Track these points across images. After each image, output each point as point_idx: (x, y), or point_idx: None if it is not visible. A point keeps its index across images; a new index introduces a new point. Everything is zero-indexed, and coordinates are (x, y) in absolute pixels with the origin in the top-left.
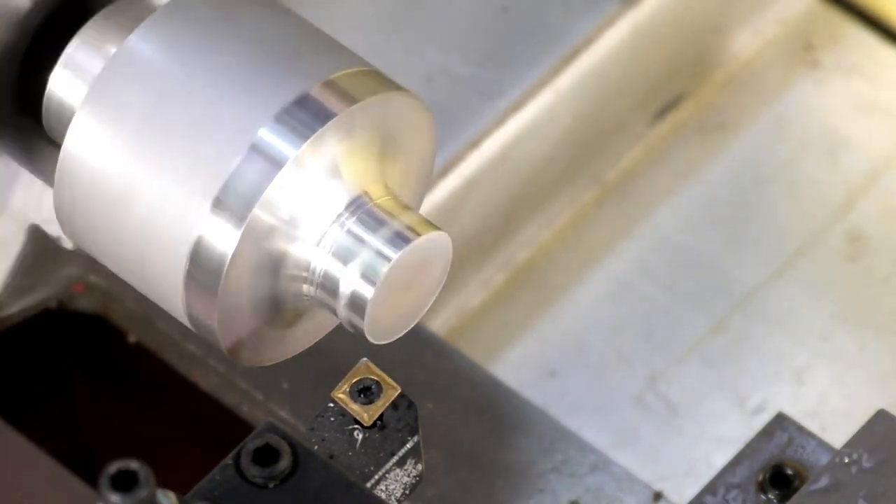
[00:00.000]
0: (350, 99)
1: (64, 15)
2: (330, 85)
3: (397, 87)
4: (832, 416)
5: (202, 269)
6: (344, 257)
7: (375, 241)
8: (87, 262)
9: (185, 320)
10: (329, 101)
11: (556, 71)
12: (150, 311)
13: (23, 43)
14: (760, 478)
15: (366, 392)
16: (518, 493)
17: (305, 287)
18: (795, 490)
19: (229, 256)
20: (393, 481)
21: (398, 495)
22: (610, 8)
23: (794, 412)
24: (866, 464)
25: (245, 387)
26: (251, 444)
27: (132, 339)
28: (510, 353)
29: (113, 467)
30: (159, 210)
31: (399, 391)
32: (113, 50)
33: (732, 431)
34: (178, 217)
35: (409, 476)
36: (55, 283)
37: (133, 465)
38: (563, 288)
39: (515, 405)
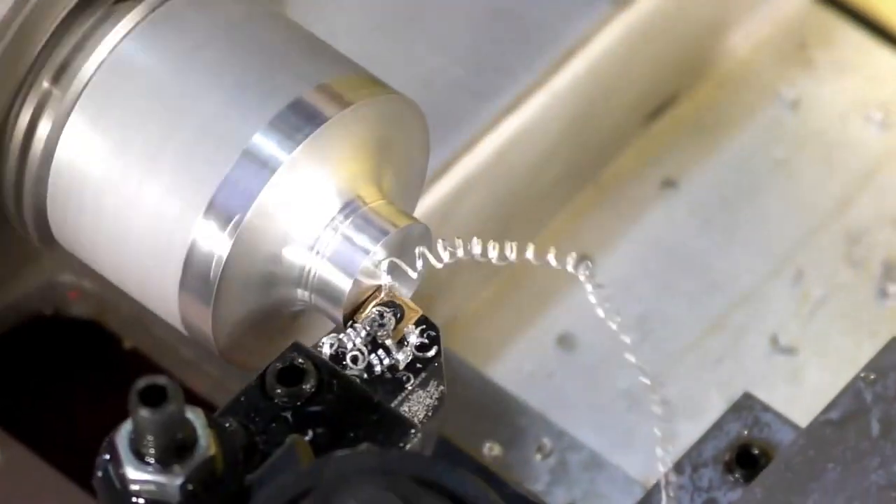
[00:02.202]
0: (343, 103)
1: (58, 19)
2: (322, 89)
3: (390, 91)
4: None
5: (196, 274)
6: (338, 261)
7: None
8: (81, 268)
9: (179, 325)
10: (322, 105)
11: (550, 72)
12: (144, 316)
13: (17, 48)
14: (727, 457)
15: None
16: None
17: (300, 291)
18: (762, 469)
19: (223, 261)
20: (416, 402)
21: (420, 416)
22: (603, 9)
23: (792, 412)
24: (879, 388)
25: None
26: (276, 364)
27: (127, 344)
28: (506, 354)
29: (141, 383)
30: (153, 216)
31: (420, 313)
32: (107, 54)
33: None
34: (172, 222)
35: (431, 398)
36: (49, 289)
37: (161, 380)
38: (558, 289)
39: (512, 406)
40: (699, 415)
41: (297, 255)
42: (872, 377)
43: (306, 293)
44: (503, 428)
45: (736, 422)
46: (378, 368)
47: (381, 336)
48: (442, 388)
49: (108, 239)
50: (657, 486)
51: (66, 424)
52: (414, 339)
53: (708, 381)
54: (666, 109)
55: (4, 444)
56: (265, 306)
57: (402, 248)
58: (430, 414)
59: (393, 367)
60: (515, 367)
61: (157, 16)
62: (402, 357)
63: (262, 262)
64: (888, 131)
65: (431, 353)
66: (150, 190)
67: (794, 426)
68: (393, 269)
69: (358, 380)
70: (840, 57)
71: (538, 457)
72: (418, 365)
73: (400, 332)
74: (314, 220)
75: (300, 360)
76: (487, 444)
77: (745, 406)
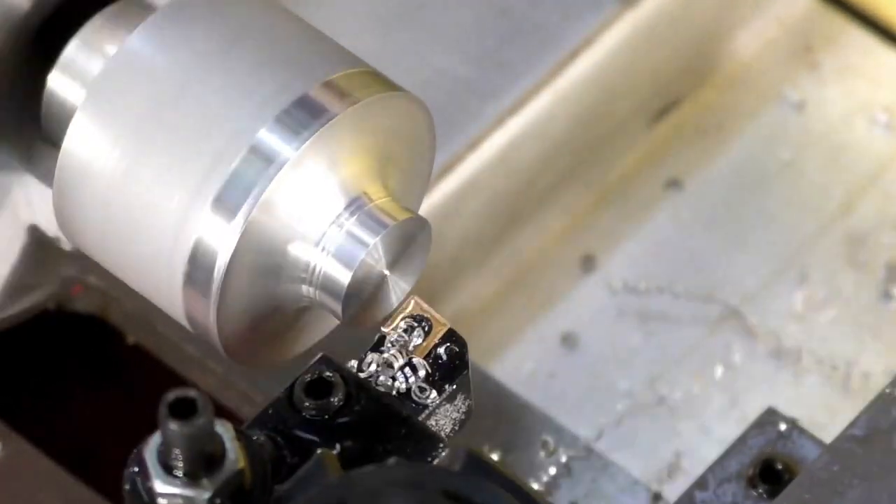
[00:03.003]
0: (350, 100)
1: (63, 16)
2: (329, 86)
3: (397, 88)
4: (831, 417)
5: (201, 270)
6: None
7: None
8: (85, 263)
9: (183, 321)
10: (329, 101)
11: (555, 72)
12: (148, 312)
13: (22, 44)
14: (750, 472)
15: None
16: None
17: (305, 288)
18: (785, 484)
19: (228, 257)
20: (443, 416)
21: (447, 430)
22: (609, 9)
23: (794, 414)
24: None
25: (244, 388)
26: (305, 376)
27: (131, 340)
28: (509, 353)
29: (171, 395)
30: (158, 211)
31: (448, 327)
32: (112, 51)
33: (732, 433)
34: (177, 217)
35: (458, 412)
36: (54, 283)
37: (191, 393)
38: (561, 289)
39: (514, 406)
40: (702, 416)
41: (302, 252)
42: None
43: (311, 290)
44: (506, 426)
45: (760, 437)
46: (405, 384)
47: (411, 351)
48: (469, 401)
49: (113, 234)
50: None
51: (68, 419)
52: (442, 352)
53: (711, 383)
54: (671, 110)
55: (6, 438)
56: (270, 303)
57: (402, 243)
58: (457, 428)
59: (421, 381)
60: (518, 365)
61: (164, 12)
62: (429, 371)
63: (268, 258)
64: (893, 133)
65: (459, 366)
66: (155, 185)
67: (818, 441)
68: (393, 264)
69: (387, 393)
70: (845, 59)
71: (542, 454)
72: (446, 378)
73: (428, 346)
74: (319, 216)
75: (328, 373)
76: (486, 447)
77: (769, 421)
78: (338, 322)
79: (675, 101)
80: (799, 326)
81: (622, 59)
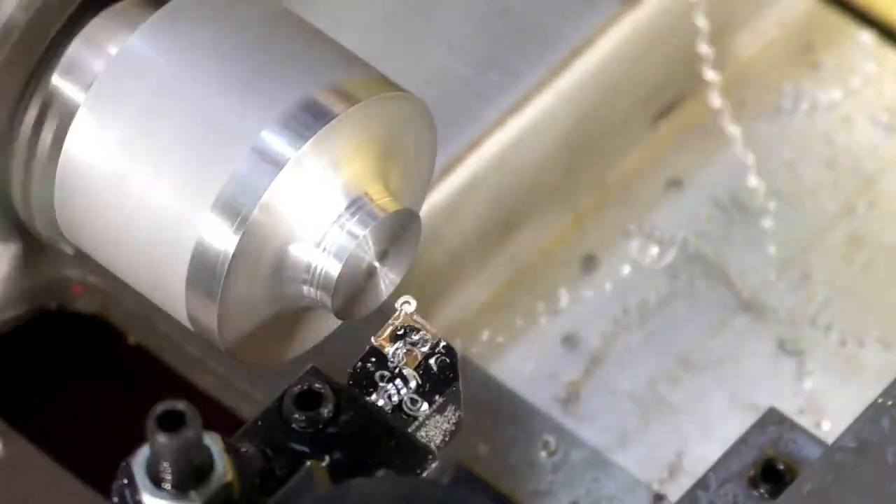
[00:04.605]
0: (351, 100)
1: (65, 16)
2: (331, 86)
3: (398, 89)
4: (833, 416)
5: (203, 270)
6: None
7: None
8: (86, 263)
9: (185, 321)
10: (330, 102)
11: (555, 73)
12: (149, 312)
13: (25, 44)
14: (752, 472)
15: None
16: (518, 493)
17: (306, 288)
18: (787, 485)
19: (230, 257)
20: (433, 428)
21: (437, 441)
22: (609, 9)
23: (796, 413)
24: None
25: (245, 388)
26: (294, 388)
27: (132, 340)
28: (510, 354)
29: (160, 408)
30: (160, 211)
31: (439, 337)
32: (114, 51)
33: (733, 433)
34: (179, 218)
35: (448, 423)
36: (54, 284)
37: (179, 405)
38: (563, 289)
39: (515, 406)
40: (703, 416)
41: (303, 252)
42: (890, 403)
43: (313, 290)
44: (506, 426)
45: (761, 437)
46: (396, 396)
47: (401, 362)
48: (460, 413)
49: (115, 234)
50: None
51: (69, 419)
52: (432, 363)
53: (713, 383)
54: (671, 111)
55: (7, 438)
56: (271, 303)
57: (392, 235)
58: (447, 439)
59: (412, 393)
60: (519, 366)
61: (166, 12)
62: (420, 382)
63: (269, 258)
64: (893, 133)
65: (449, 377)
66: (157, 185)
67: (820, 441)
68: (383, 256)
69: (376, 405)
70: (845, 59)
71: (542, 454)
72: (436, 390)
73: (418, 357)
74: (321, 217)
75: (318, 385)
76: (486, 447)
77: (771, 421)
78: (340, 323)
79: (675, 101)
80: (800, 326)
81: (623, 60)
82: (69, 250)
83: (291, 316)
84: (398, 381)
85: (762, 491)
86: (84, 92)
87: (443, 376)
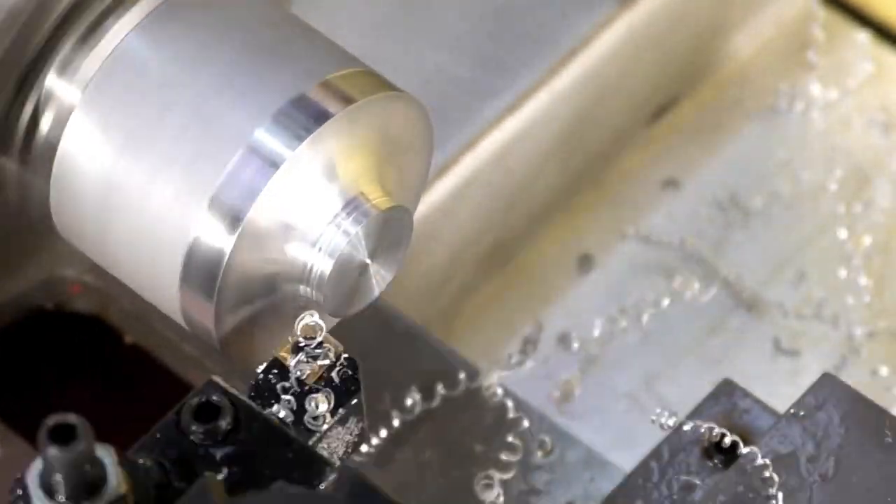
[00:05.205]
0: (347, 99)
1: (61, 15)
2: (327, 86)
3: (394, 88)
4: None
5: (198, 270)
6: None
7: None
8: (83, 262)
9: (181, 321)
10: (326, 101)
11: (552, 72)
12: (146, 311)
13: (20, 44)
14: (706, 443)
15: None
16: (514, 494)
17: (301, 287)
18: (739, 455)
19: (225, 257)
20: (335, 439)
21: (340, 453)
22: (606, 9)
23: None
24: (809, 426)
25: (242, 388)
26: (192, 400)
27: (129, 339)
28: (506, 353)
29: (51, 420)
30: (155, 211)
31: (341, 349)
32: (109, 50)
33: None
34: (175, 218)
35: (350, 434)
36: (51, 284)
37: (71, 418)
38: (559, 288)
39: (512, 406)
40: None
41: (299, 252)
42: (802, 413)
43: (309, 290)
44: (504, 426)
45: (715, 408)
46: (297, 408)
47: (302, 373)
48: (362, 424)
49: (111, 233)
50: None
51: None
52: (334, 375)
53: (709, 383)
54: (668, 110)
55: (5, 438)
56: (267, 303)
57: (383, 232)
58: (349, 451)
59: (315, 406)
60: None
61: (161, 11)
62: (322, 395)
63: (265, 258)
64: (891, 133)
65: (351, 389)
66: (152, 185)
67: (774, 412)
68: (374, 253)
69: (277, 417)
70: (843, 59)
71: (540, 454)
72: (338, 402)
73: (320, 370)
74: (317, 216)
75: (216, 397)
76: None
77: (725, 392)
78: (335, 322)
79: (672, 100)
80: (798, 326)
81: (620, 59)
82: (65, 249)
83: (288, 315)
84: (307, 401)
85: (716, 461)
86: (80, 91)
87: (345, 388)
